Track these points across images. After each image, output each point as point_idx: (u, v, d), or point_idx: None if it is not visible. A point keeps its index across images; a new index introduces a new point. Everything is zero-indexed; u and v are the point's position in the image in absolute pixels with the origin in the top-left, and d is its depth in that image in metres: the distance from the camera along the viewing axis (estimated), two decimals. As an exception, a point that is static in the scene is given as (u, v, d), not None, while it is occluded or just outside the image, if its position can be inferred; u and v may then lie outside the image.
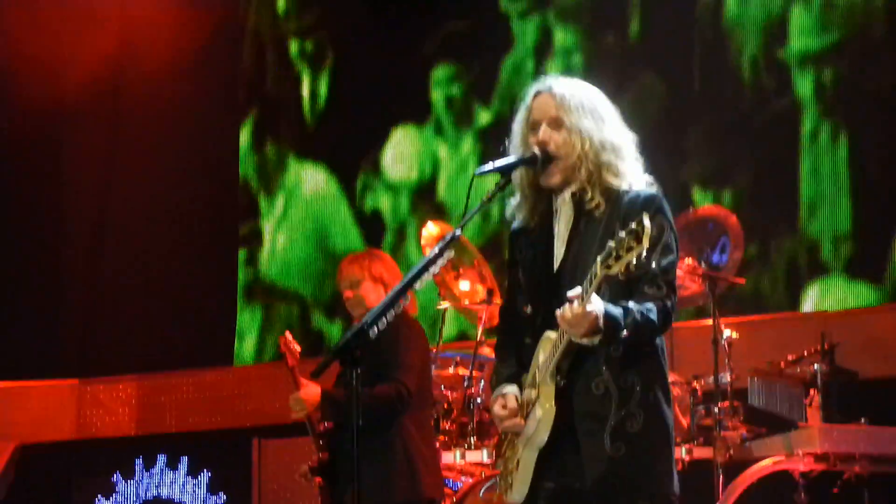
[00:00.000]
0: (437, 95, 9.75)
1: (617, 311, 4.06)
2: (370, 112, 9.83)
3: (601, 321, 4.02)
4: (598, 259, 3.95)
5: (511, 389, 4.34)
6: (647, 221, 3.87)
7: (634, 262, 3.90)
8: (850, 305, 8.23)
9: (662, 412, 4.26)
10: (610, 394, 4.20)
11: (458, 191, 9.45)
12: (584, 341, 4.07)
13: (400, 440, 6.16)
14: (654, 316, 4.13)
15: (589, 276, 4.00)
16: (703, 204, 8.31)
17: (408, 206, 9.74)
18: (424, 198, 9.67)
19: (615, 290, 4.14)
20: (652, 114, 8.67)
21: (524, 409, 4.30)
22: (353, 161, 9.96)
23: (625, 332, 4.06)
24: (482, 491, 7.02)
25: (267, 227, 10.18)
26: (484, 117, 9.54)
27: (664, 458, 4.27)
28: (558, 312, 4.04)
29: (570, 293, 4.01)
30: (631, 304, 4.11)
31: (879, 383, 7.76)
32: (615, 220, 4.23)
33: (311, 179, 10.06)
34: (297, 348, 6.42)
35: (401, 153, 9.77)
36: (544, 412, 4.22)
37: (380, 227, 9.81)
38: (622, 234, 3.91)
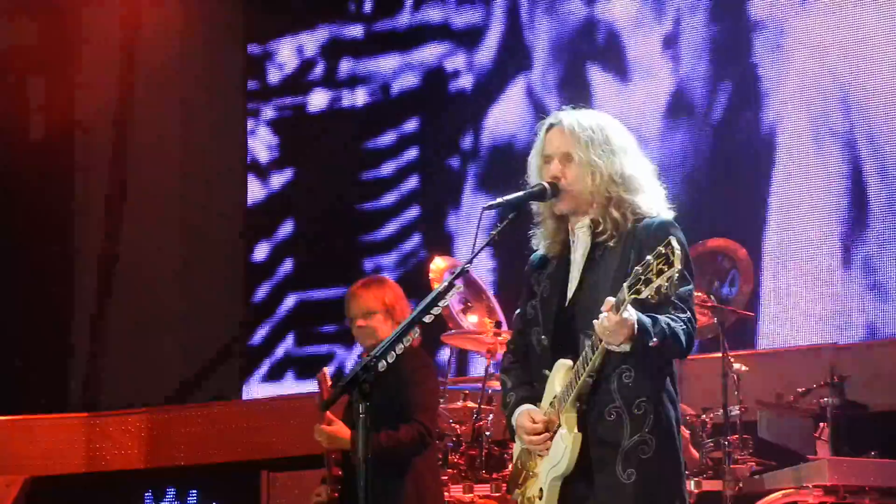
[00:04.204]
0: None
1: (647, 319, 4.09)
2: None
3: (636, 328, 4.05)
4: (626, 285, 3.98)
5: (535, 407, 4.36)
6: (675, 244, 3.91)
7: (666, 285, 3.93)
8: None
9: (674, 439, 4.29)
10: (622, 420, 4.23)
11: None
12: (616, 349, 4.09)
13: (410, 478, 6.18)
14: (680, 331, 4.17)
15: (618, 298, 4.02)
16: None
17: None
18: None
19: None
20: None
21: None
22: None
23: (654, 341, 4.09)
24: None
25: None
26: None
27: (676, 484, 4.30)
28: (595, 323, 4.06)
29: (606, 303, 4.03)
30: (660, 316, 4.13)
31: (889, 416, 7.74)
32: (630, 249, 4.27)
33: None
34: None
35: None
36: (571, 439, 4.24)
37: None
38: (650, 257, 3.95)
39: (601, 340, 4.10)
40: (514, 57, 9.63)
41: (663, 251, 3.92)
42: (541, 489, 4.33)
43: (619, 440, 4.22)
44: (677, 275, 3.92)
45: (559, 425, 4.27)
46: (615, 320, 4.02)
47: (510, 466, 4.57)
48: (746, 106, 8.79)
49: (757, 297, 8.41)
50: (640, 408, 4.23)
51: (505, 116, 9.61)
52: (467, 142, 9.76)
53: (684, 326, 4.19)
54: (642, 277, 3.95)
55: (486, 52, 9.75)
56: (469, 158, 9.73)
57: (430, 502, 6.26)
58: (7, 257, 10.53)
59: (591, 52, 9.33)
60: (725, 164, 8.85)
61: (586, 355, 4.19)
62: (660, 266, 3.92)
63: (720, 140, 8.90)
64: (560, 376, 4.30)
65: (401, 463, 6.15)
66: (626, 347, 4.09)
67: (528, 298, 4.52)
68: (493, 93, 9.70)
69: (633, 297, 3.97)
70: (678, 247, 3.92)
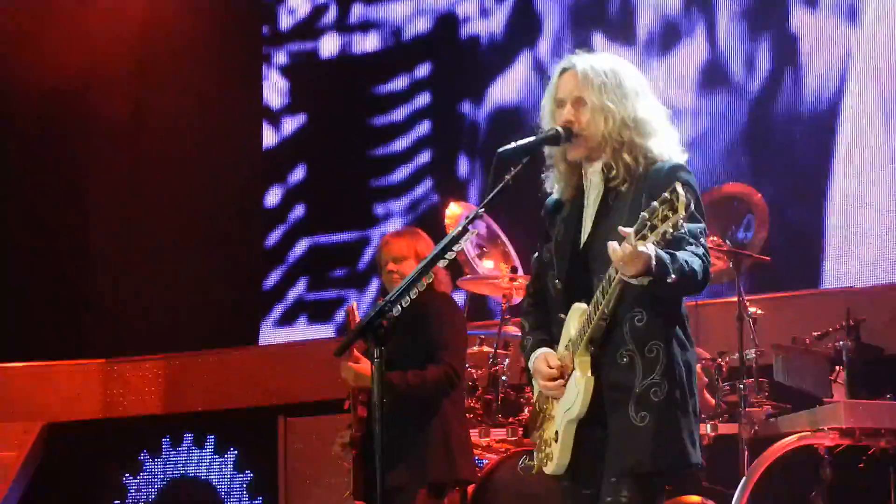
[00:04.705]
0: None
1: (666, 255, 4.08)
2: None
3: (653, 262, 4.03)
4: (632, 230, 3.97)
5: (551, 350, 4.37)
6: (680, 189, 3.90)
7: (671, 230, 3.92)
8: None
9: (686, 382, 4.29)
10: (635, 363, 4.24)
11: None
12: (634, 281, 4.08)
13: (437, 420, 6.20)
14: (697, 266, 4.16)
15: (626, 242, 4.00)
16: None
17: None
18: None
19: None
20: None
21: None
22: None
23: (672, 277, 4.07)
24: (520, 464, 7.03)
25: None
26: None
27: (688, 427, 4.29)
28: (610, 246, 4.04)
29: (622, 230, 4.02)
30: (677, 252, 4.12)
31: (905, 359, 7.74)
32: (642, 193, 4.26)
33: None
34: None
35: None
36: (584, 382, 4.26)
37: None
38: (655, 203, 3.94)
39: (617, 271, 4.10)
40: (527, 15, 9.58)
41: (668, 197, 3.91)
42: (557, 432, 4.36)
43: (632, 383, 4.24)
44: (682, 221, 3.91)
45: (573, 369, 4.28)
46: (630, 251, 3.99)
47: (527, 411, 4.59)
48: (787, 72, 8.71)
49: (823, 236, 8.42)
50: (652, 350, 4.24)
51: (518, 67, 9.57)
52: (480, 87, 9.73)
53: (700, 261, 4.19)
54: (648, 223, 3.94)
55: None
56: (481, 104, 9.71)
57: (457, 447, 6.28)
58: (25, 203, 10.57)
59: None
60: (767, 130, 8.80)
61: (597, 299, 4.20)
62: (665, 212, 3.91)
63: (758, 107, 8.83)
64: (575, 320, 4.31)
65: (428, 406, 6.17)
66: (645, 281, 4.08)
67: (544, 242, 4.52)
68: (506, 41, 9.66)
69: (638, 242, 3.96)
70: (682, 192, 3.90)
